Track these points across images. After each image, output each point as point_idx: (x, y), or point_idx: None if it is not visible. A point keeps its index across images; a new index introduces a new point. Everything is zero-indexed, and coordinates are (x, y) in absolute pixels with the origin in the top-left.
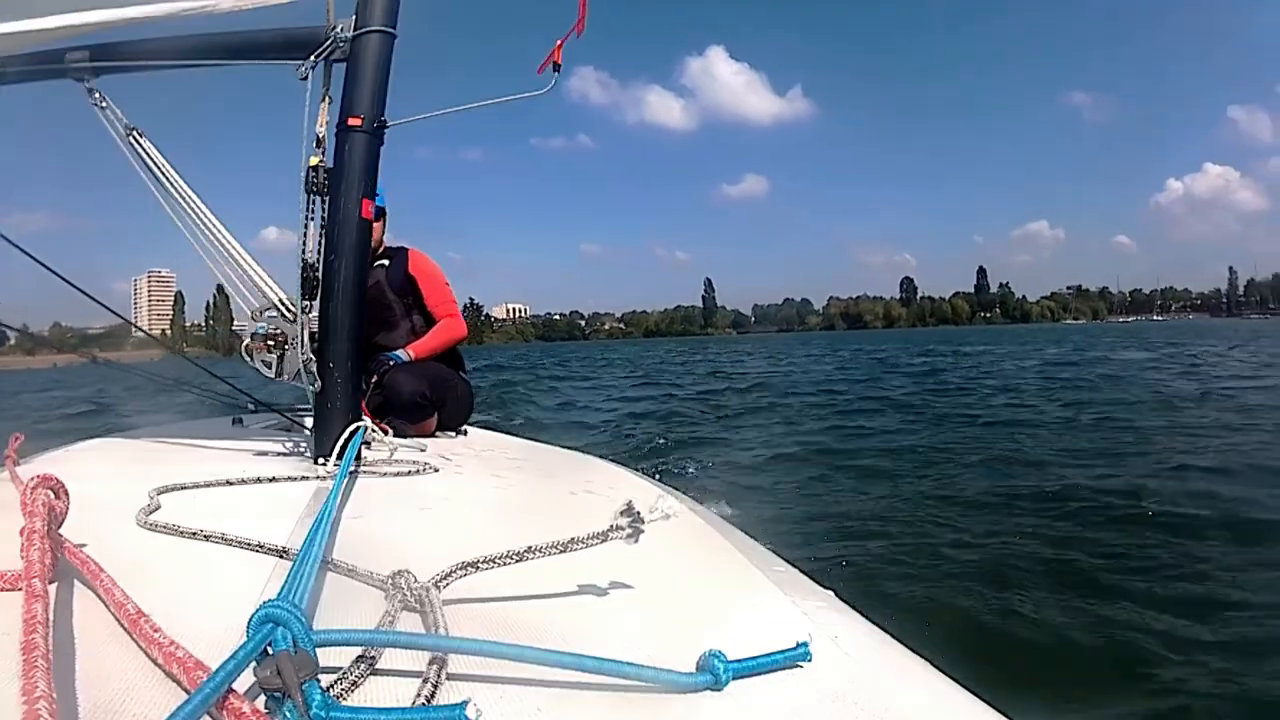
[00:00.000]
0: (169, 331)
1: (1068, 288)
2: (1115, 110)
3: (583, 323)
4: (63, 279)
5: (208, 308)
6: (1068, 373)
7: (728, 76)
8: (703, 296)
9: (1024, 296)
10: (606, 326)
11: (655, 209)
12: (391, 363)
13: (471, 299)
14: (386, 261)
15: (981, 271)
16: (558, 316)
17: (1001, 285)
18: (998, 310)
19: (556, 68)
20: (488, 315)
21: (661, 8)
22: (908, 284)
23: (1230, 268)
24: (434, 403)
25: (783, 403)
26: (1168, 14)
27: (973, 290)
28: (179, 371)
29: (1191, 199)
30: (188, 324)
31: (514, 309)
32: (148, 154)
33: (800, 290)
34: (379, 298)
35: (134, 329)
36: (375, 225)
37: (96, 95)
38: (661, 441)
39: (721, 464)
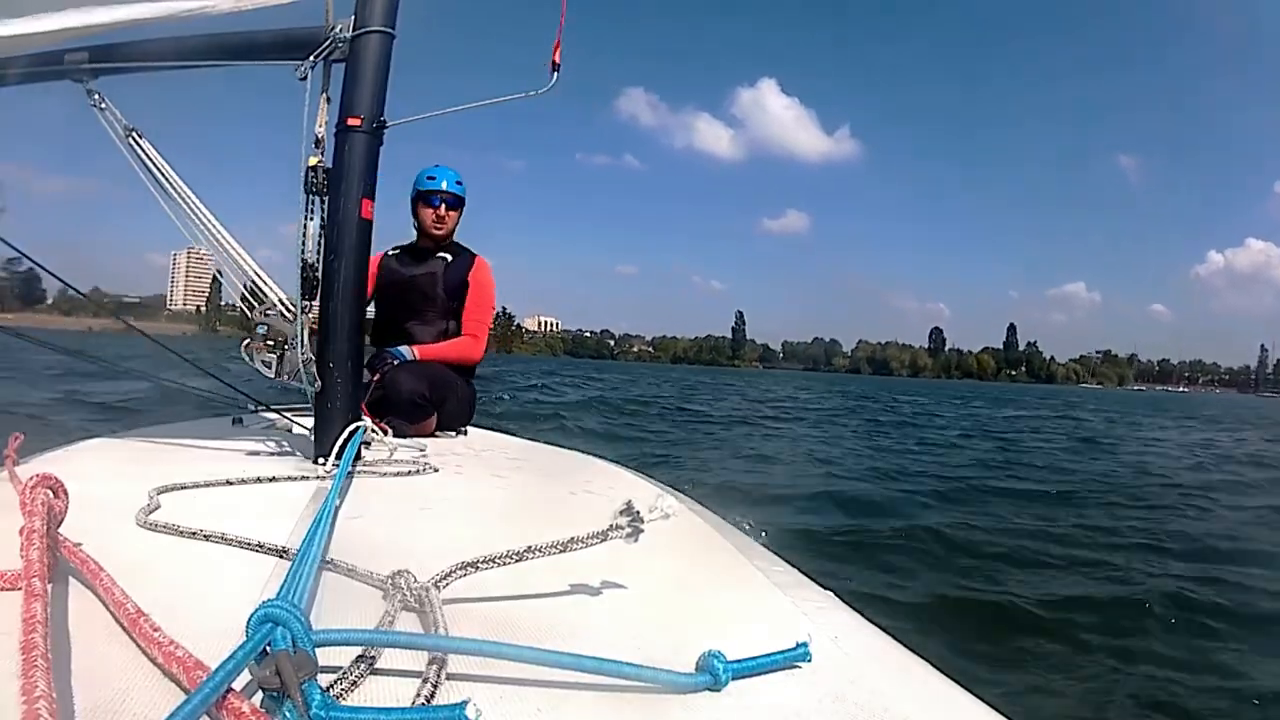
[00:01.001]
0: (203, 309)
1: (1096, 352)
2: (1163, 177)
3: (612, 343)
4: (58, 277)
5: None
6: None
7: (778, 110)
8: (733, 328)
9: (1052, 357)
10: (635, 349)
11: (695, 235)
12: (394, 360)
13: (504, 308)
14: (449, 257)
15: (1012, 329)
16: (588, 334)
17: (1029, 344)
18: (1023, 369)
19: (555, 68)
20: (519, 325)
21: (715, 34)
22: (936, 334)
23: (1262, 345)
24: (433, 403)
25: None
26: (1223, 84)
27: (1002, 347)
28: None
29: (1231, 272)
30: (222, 303)
31: (546, 321)
32: (147, 155)
33: (830, 330)
34: (428, 289)
35: (128, 325)
36: (453, 214)
37: (96, 96)
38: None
39: None
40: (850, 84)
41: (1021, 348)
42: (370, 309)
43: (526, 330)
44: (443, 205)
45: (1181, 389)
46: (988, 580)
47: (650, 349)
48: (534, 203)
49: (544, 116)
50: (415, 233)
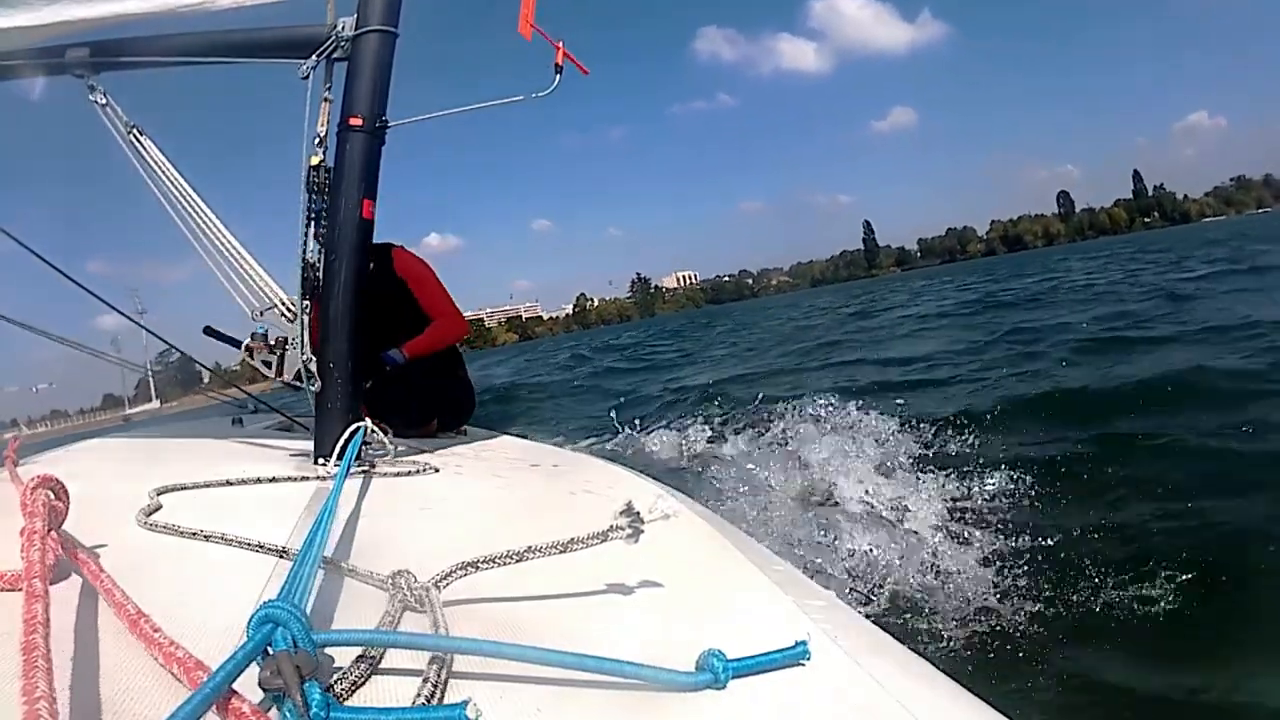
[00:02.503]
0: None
1: (1231, 179)
2: None
3: (750, 281)
4: (77, 281)
5: None
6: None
7: (853, 11)
8: (863, 239)
9: (1186, 195)
10: (774, 282)
11: (808, 157)
12: (388, 366)
13: (639, 274)
14: (370, 264)
15: (1137, 175)
16: (727, 279)
17: (1156, 187)
18: (1156, 214)
19: (558, 69)
20: (657, 287)
21: None
22: (1064, 198)
23: None
24: (432, 409)
25: None
26: None
27: (1132, 195)
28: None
29: None
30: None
31: (684, 277)
32: (148, 152)
33: (963, 218)
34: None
35: (147, 332)
36: None
37: (98, 92)
38: None
39: None
40: None
41: (1151, 193)
42: None
43: (667, 289)
44: None
45: None
46: None
47: (789, 279)
48: (645, 165)
49: (627, 77)
50: None
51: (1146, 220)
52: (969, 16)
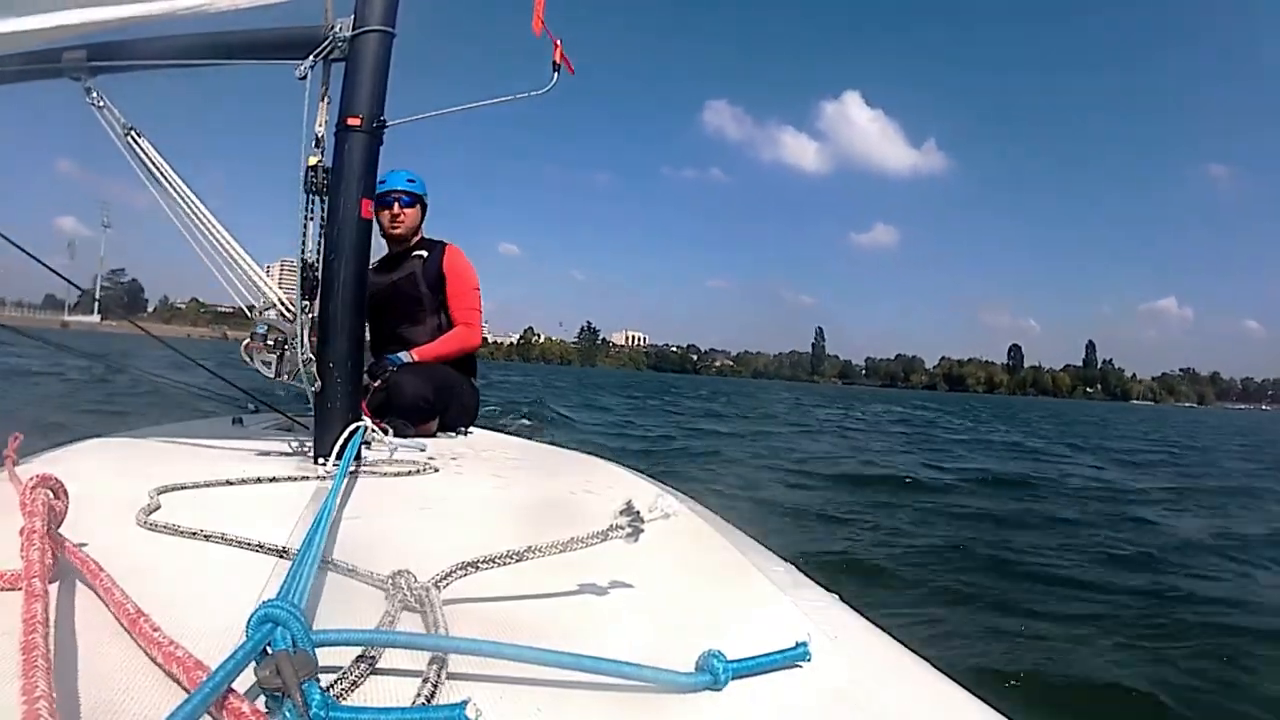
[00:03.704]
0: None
1: (1180, 369)
2: (1255, 186)
3: (695, 357)
4: (62, 277)
5: None
6: None
7: (863, 122)
8: (812, 344)
9: (1134, 374)
10: (717, 364)
11: (785, 249)
12: (392, 368)
13: (589, 322)
14: (424, 253)
15: (1090, 346)
16: (674, 349)
17: (1105, 361)
18: (1099, 387)
19: (556, 68)
20: (605, 340)
21: (794, 47)
22: (1015, 351)
23: None
24: (436, 408)
25: None
26: None
27: (1081, 364)
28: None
29: None
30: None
31: (634, 336)
32: (146, 154)
33: (918, 346)
34: (410, 290)
35: (143, 331)
36: (409, 212)
37: (94, 95)
38: None
39: None
40: (935, 96)
41: (1099, 365)
42: None
43: (614, 345)
44: (396, 204)
45: (1264, 407)
46: None
47: (732, 364)
48: (621, 216)
49: (627, 128)
50: (385, 242)
51: (1089, 390)
52: (973, 155)
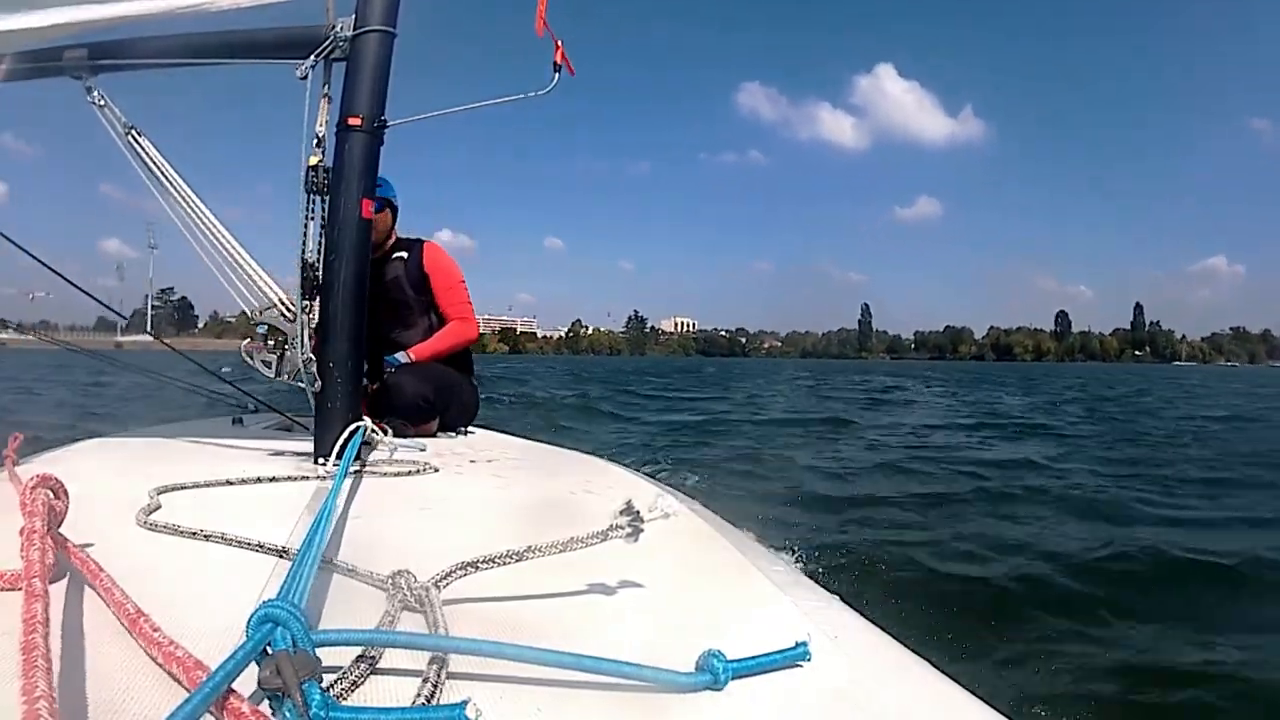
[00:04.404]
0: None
1: (1230, 328)
2: None
3: (744, 340)
4: (65, 278)
5: None
6: None
7: (898, 94)
8: (859, 321)
9: (1184, 336)
10: (766, 346)
11: (828, 228)
12: (390, 368)
13: (636, 311)
14: (405, 254)
15: (1138, 308)
16: (723, 333)
17: (1153, 323)
18: (1147, 349)
19: (557, 68)
20: (653, 328)
21: (821, 22)
22: (1062, 317)
23: None
24: (436, 407)
25: None
26: None
27: (1130, 327)
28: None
29: None
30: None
31: (683, 322)
32: (146, 153)
33: (964, 318)
34: (397, 294)
35: (149, 331)
36: (379, 217)
37: (95, 94)
38: None
39: None
40: (967, 62)
41: (1147, 328)
42: None
43: (663, 332)
44: None
45: None
46: None
47: (780, 344)
48: (665, 204)
49: (663, 117)
50: None
51: (1137, 353)
52: (1011, 119)
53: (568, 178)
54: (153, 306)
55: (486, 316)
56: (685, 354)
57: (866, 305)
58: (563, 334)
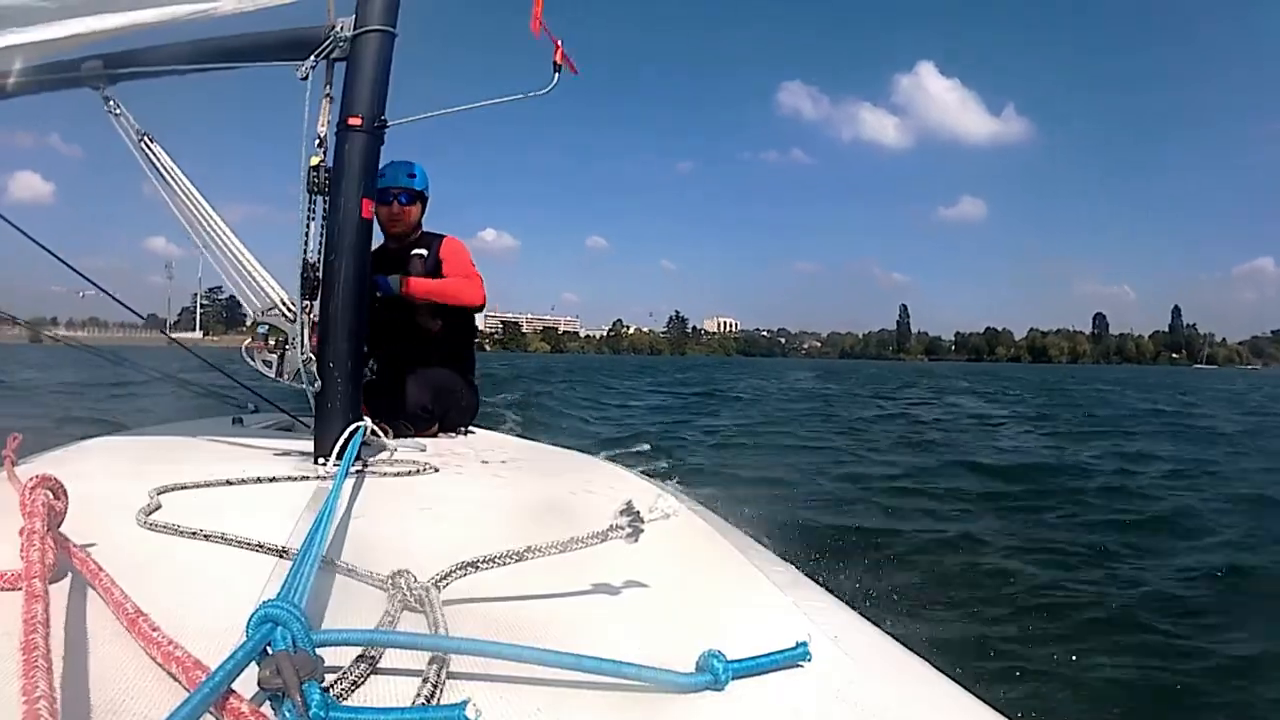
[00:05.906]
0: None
1: (1271, 331)
2: None
3: (784, 340)
4: (89, 280)
5: None
6: None
7: (940, 93)
8: (897, 322)
9: (1224, 339)
10: (805, 346)
11: (872, 228)
12: (380, 294)
13: (677, 311)
14: (424, 252)
15: (1176, 310)
16: (764, 333)
17: (1189, 326)
18: (1184, 352)
19: (557, 68)
20: (695, 328)
21: (861, 20)
22: (1100, 319)
23: None
24: (435, 414)
25: None
26: None
27: (1168, 329)
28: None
29: None
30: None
31: (725, 322)
32: (159, 159)
33: (1008, 319)
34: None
35: (157, 328)
36: (411, 209)
37: (111, 103)
38: None
39: None
40: (1009, 61)
41: (1185, 330)
42: None
43: (705, 332)
44: (396, 202)
45: None
46: None
47: (819, 345)
48: (707, 204)
49: (704, 115)
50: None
51: (1174, 356)
52: (1054, 119)
53: (611, 177)
54: (201, 305)
55: (529, 315)
56: (725, 354)
57: (905, 306)
58: (604, 333)
